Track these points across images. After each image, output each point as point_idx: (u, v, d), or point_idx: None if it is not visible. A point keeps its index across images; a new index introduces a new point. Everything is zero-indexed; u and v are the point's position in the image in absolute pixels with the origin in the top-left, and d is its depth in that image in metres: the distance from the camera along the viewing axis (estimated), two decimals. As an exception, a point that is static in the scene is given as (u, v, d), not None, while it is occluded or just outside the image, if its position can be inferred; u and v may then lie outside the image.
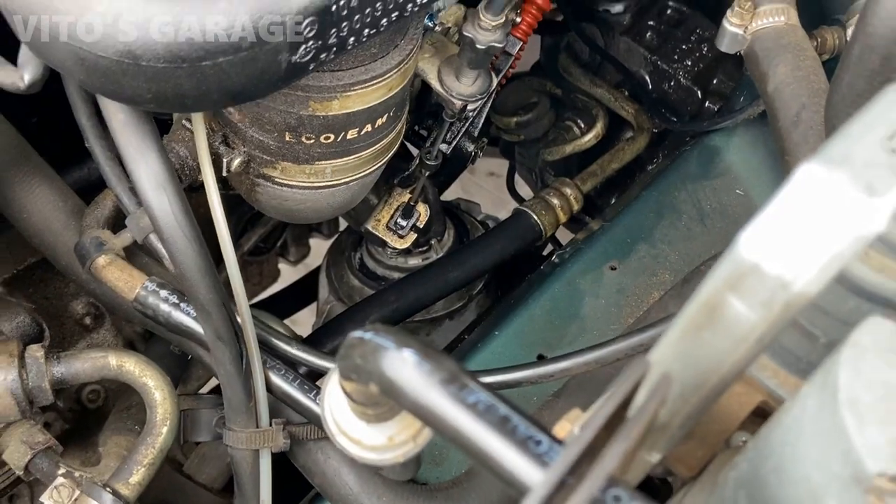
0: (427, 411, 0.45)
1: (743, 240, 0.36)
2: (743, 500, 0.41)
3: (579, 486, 0.36)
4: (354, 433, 0.53)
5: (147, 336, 0.83)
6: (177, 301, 0.74)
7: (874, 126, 0.36)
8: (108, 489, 0.67)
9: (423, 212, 1.00)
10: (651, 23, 1.17)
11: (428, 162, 0.98)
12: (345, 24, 0.60)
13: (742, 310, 0.38)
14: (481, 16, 0.76)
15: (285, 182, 0.84)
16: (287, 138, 0.79)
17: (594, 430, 0.37)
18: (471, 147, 1.03)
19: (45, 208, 0.73)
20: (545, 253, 1.11)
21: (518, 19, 0.86)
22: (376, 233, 0.99)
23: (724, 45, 0.75)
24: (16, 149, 0.70)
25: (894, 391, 0.34)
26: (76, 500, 0.68)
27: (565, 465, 0.35)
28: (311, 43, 0.57)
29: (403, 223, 0.99)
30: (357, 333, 0.51)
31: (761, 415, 0.49)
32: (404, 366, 0.43)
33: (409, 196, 1.00)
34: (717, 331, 0.41)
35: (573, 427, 0.43)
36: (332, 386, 0.57)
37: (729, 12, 0.74)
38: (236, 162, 0.77)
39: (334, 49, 0.61)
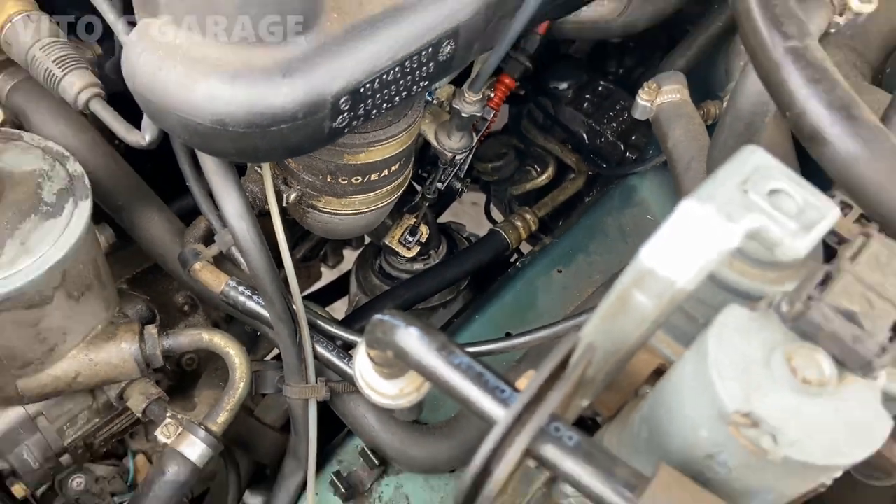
0: (426, 370, 0.46)
1: (643, 252, 0.36)
2: (644, 432, 0.41)
3: (530, 420, 0.37)
4: (376, 386, 0.53)
5: (228, 319, 0.83)
6: (250, 294, 0.73)
7: (733, 174, 0.36)
8: (201, 426, 0.67)
9: (424, 231, 1.00)
10: (587, 96, 1.15)
11: (428, 195, 0.98)
12: (370, 101, 0.58)
13: (643, 300, 0.37)
14: (465, 93, 0.74)
15: (327, 210, 0.82)
16: (328, 180, 0.78)
17: (540, 382, 0.38)
18: (458, 185, 1.04)
19: (158, 229, 0.73)
20: (511, 260, 1.09)
21: (492, 94, 0.85)
22: (391, 245, 0.99)
23: (637, 114, 0.74)
24: (137, 188, 0.71)
25: (744, 356, 0.34)
26: (179, 434, 0.67)
27: (521, 405, 0.36)
28: (346, 114, 0.57)
29: (410, 239, 0.99)
30: (378, 316, 0.52)
31: (659, 373, 0.47)
32: (410, 338, 0.43)
33: (414, 219, 0.99)
34: (627, 315, 0.41)
35: (527, 378, 0.44)
36: (361, 353, 0.57)
37: (641, 90, 0.73)
38: (292, 196, 0.76)
39: (362, 118, 0.59)
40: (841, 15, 0.50)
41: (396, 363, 0.50)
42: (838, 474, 0.38)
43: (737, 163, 0.37)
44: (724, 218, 0.34)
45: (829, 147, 0.41)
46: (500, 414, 0.37)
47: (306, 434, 0.76)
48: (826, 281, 0.33)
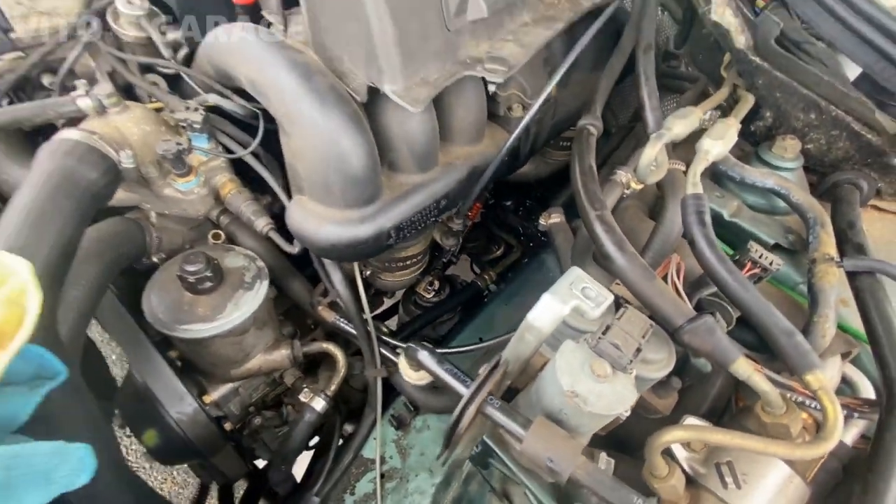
0: (430, 370, 0.48)
1: (529, 314, 0.38)
2: (534, 399, 0.42)
3: (479, 395, 0.40)
4: (410, 376, 0.54)
5: (333, 333, 0.77)
6: (346, 322, 0.68)
7: (566, 280, 0.39)
8: (322, 393, 0.67)
9: (437, 282, 1.01)
10: (521, 207, 1.14)
11: (437, 266, 1.00)
12: (406, 231, 0.57)
13: (529, 336, 0.39)
14: (454, 219, 0.73)
15: (385, 279, 0.78)
16: (385, 265, 0.75)
17: (484, 376, 0.41)
18: (454, 258, 1.05)
19: (298, 287, 0.69)
20: (483, 295, 1.05)
21: (469, 213, 0.80)
22: (420, 291, 1.00)
23: (540, 227, 0.66)
24: (289, 268, 0.69)
25: (571, 363, 0.35)
26: (311, 397, 0.68)
27: (475, 388, 0.40)
28: (393, 238, 0.56)
29: (430, 288, 0.99)
30: (410, 345, 0.52)
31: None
32: (423, 357, 0.46)
33: (431, 277, 1.00)
34: (523, 342, 0.43)
35: (481, 372, 0.42)
36: (402, 360, 0.56)
37: (542, 216, 0.67)
38: (367, 273, 0.76)
39: (402, 238, 0.57)
40: (627, 189, 0.53)
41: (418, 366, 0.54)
42: (618, 415, 0.39)
43: (568, 275, 0.40)
44: (559, 301, 0.38)
45: (613, 263, 0.43)
46: (464, 392, 0.40)
47: (377, 393, 0.71)
48: (607, 329, 0.37)
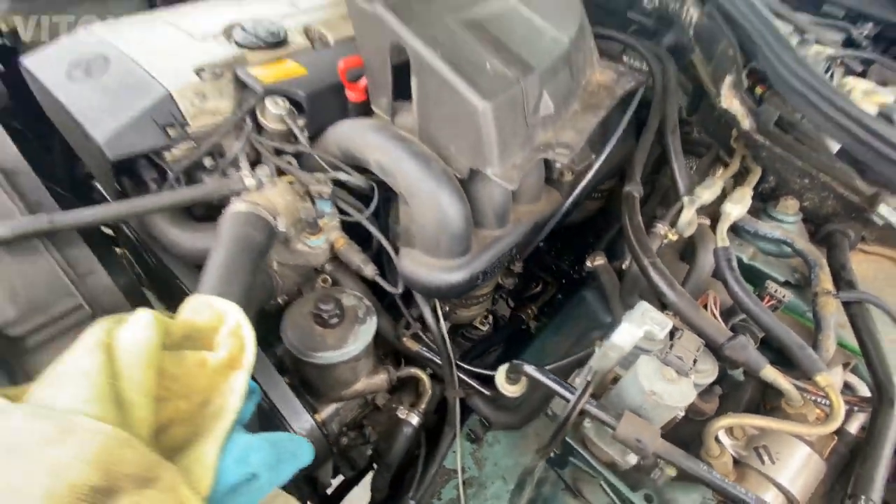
0: (541, 382, 0.58)
1: (613, 335, 0.52)
2: (615, 399, 0.53)
3: (583, 398, 0.53)
4: (507, 389, 0.66)
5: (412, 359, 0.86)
6: (428, 350, 0.80)
7: (638, 310, 0.52)
8: (415, 409, 0.80)
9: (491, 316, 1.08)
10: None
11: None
12: (487, 275, 0.68)
13: (611, 353, 0.54)
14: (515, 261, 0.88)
15: (461, 313, 0.89)
16: (462, 302, 0.87)
17: (585, 382, 0.53)
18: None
19: (385, 323, 0.79)
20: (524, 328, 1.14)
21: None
22: (476, 324, 1.05)
23: (587, 267, 0.86)
24: (382, 308, 0.80)
25: (647, 371, 0.52)
26: (417, 412, 0.81)
27: (579, 391, 0.51)
28: (479, 280, 0.68)
29: (483, 322, 1.06)
30: (516, 361, 0.64)
31: (615, 379, 0.62)
32: (532, 371, 0.56)
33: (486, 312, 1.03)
34: (607, 358, 0.56)
35: (578, 382, 0.60)
36: (500, 373, 0.67)
37: (588, 257, 0.83)
38: (446, 309, 0.87)
39: (485, 280, 0.69)
40: (665, 240, 0.68)
41: (516, 379, 0.66)
42: (678, 413, 0.51)
43: (639, 307, 0.51)
44: (636, 326, 0.51)
45: (667, 299, 0.55)
46: (570, 396, 0.51)
47: (456, 411, 0.80)
48: (671, 346, 0.50)
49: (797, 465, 0.49)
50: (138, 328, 0.43)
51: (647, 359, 0.50)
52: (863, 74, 0.94)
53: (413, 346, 0.82)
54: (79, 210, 0.62)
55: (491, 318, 1.08)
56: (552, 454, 0.64)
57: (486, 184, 0.66)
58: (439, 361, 0.81)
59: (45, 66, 0.74)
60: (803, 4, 1.07)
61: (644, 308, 0.51)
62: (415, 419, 0.79)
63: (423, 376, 0.83)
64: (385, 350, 0.89)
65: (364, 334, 0.71)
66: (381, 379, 0.79)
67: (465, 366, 0.84)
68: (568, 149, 0.66)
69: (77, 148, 0.77)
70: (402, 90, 0.68)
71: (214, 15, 0.85)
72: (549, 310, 1.21)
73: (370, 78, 0.72)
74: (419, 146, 0.65)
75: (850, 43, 1.03)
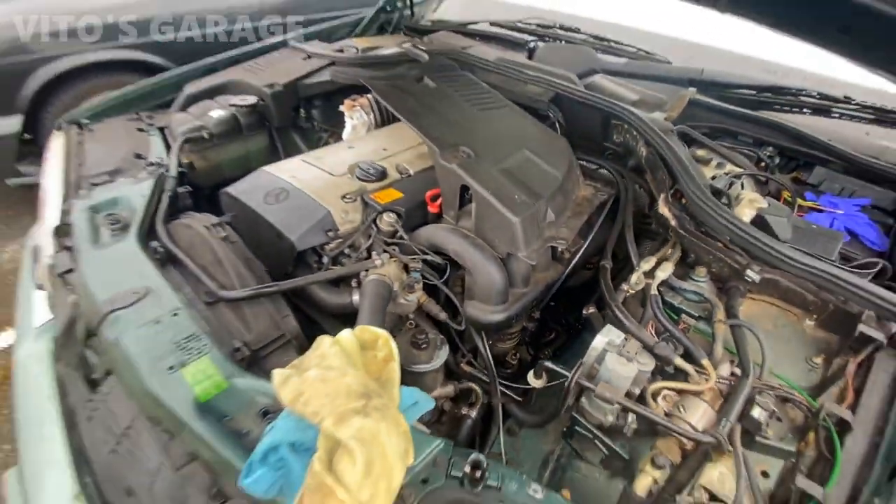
0: (556, 370, 1.04)
1: (595, 341, 0.97)
2: (597, 379, 1.00)
3: (578, 373, 0.97)
4: (534, 382, 1.07)
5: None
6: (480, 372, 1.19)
7: (607, 329, 0.99)
8: (473, 410, 1.18)
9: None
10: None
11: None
12: (519, 317, 1.06)
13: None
14: (535, 311, 1.37)
15: (499, 346, 1.22)
16: (501, 337, 1.24)
17: (578, 365, 0.98)
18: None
19: (450, 356, 1.09)
20: None
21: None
22: (507, 359, 1.32)
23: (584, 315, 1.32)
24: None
25: (615, 360, 0.93)
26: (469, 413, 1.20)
27: (576, 369, 0.95)
28: (513, 320, 1.06)
29: (515, 357, 1.44)
30: (539, 362, 1.08)
31: None
32: (549, 363, 1.03)
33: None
34: (588, 354, 1.00)
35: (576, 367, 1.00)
36: (532, 373, 1.03)
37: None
38: (490, 342, 1.21)
39: (516, 321, 1.10)
40: (627, 293, 1.16)
41: (539, 374, 1.07)
42: (632, 385, 0.94)
43: (606, 329, 0.97)
44: (603, 337, 0.94)
45: (623, 324, 1.01)
46: (568, 374, 0.98)
47: (498, 413, 1.07)
48: (624, 346, 0.94)
49: (699, 413, 0.89)
50: (348, 337, 0.88)
51: (611, 354, 0.92)
52: (766, 183, 1.43)
53: (467, 368, 1.23)
54: (282, 282, 1.09)
55: (518, 356, 1.49)
56: (565, 428, 1.04)
57: (517, 261, 1.12)
58: (487, 379, 1.16)
59: (246, 194, 1.25)
60: (723, 135, 1.60)
61: (609, 328, 0.95)
62: (473, 414, 1.18)
63: (477, 388, 1.17)
64: (446, 373, 1.20)
65: (442, 355, 1.10)
66: (449, 389, 1.15)
67: (504, 382, 1.24)
68: (564, 240, 1.13)
69: (263, 245, 1.23)
70: (462, 206, 1.17)
71: (339, 159, 1.38)
72: (560, 353, 1.61)
73: (445, 201, 1.21)
74: (478, 240, 1.13)
75: (758, 160, 1.54)
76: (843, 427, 0.80)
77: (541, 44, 1.91)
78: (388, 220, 1.17)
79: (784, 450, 0.82)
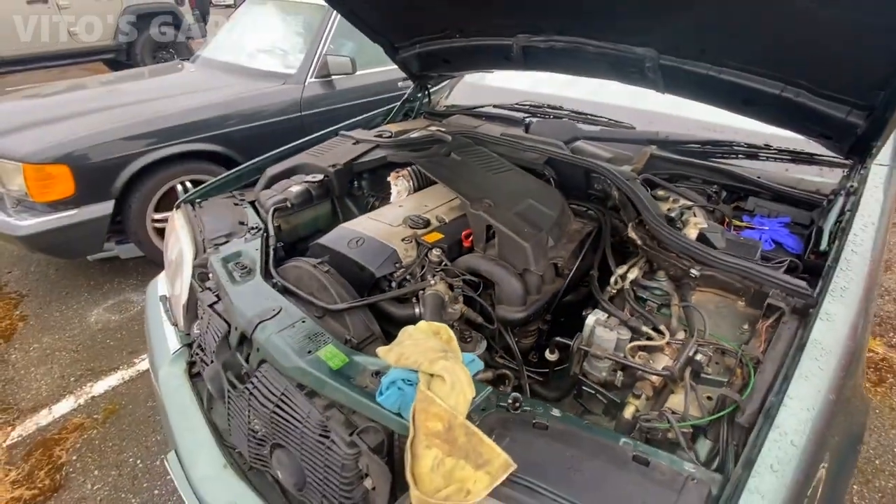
0: (562, 342, 1.48)
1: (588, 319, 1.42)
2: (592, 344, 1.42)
3: (577, 341, 1.41)
4: (551, 358, 1.53)
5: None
6: (510, 361, 1.72)
7: (593, 313, 1.44)
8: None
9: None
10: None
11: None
12: (536, 315, 1.65)
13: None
14: (546, 315, 1.89)
15: (523, 342, 1.63)
16: (524, 332, 1.68)
17: (577, 336, 1.42)
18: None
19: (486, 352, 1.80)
20: None
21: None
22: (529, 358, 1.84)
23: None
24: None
25: (598, 329, 1.38)
26: None
27: (576, 338, 1.41)
28: (532, 318, 1.66)
29: (532, 360, 1.88)
30: (553, 339, 1.56)
31: None
32: (559, 338, 1.47)
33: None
34: (583, 330, 1.45)
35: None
36: (547, 350, 1.58)
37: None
38: (516, 340, 1.80)
39: (535, 319, 1.60)
40: (612, 291, 1.63)
41: (553, 350, 1.50)
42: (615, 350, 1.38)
43: (595, 311, 1.44)
44: (593, 316, 1.38)
45: (608, 307, 1.48)
46: (573, 342, 1.42)
47: (525, 391, 1.38)
48: (605, 322, 1.39)
49: (662, 362, 1.32)
50: (423, 325, 1.35)
51: (599, 326, 1.36)
52: (713, 211, 1.91)
53: (500, 360, 1.67)
54: (368, 298, 1.57)
55: (536, 354, 1.91)
56: (575, 391, 1.47)
57: (530, 275, 1.59)
58: (516, 367, 1.50)
59: (334, 242, 1.74)
60: (679, 178, 2.11)
61: (597, 311, 1.40)
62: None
63: (509, 373, 1.43)
64: (484, 364, 1.67)
65: (482, 346, 1.42)
66: (488, 374, 1.42)
67: (528, 368, 1.68)
68: (562, 258, 1.61)
69: (347, 276, 1.71)
70: (487, 241, 1.67)
71: (394, 214, 1.88)
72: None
73: (475, 238, 1.70)
74: (501, 262, 1.61)
75: (707, 195, 2.04)
76: (758, 364, 1.21)
77: (534, 120, 2.48)
78: (435, 254, 1.64)
79: (718, 380, 1.21)
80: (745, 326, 1.31)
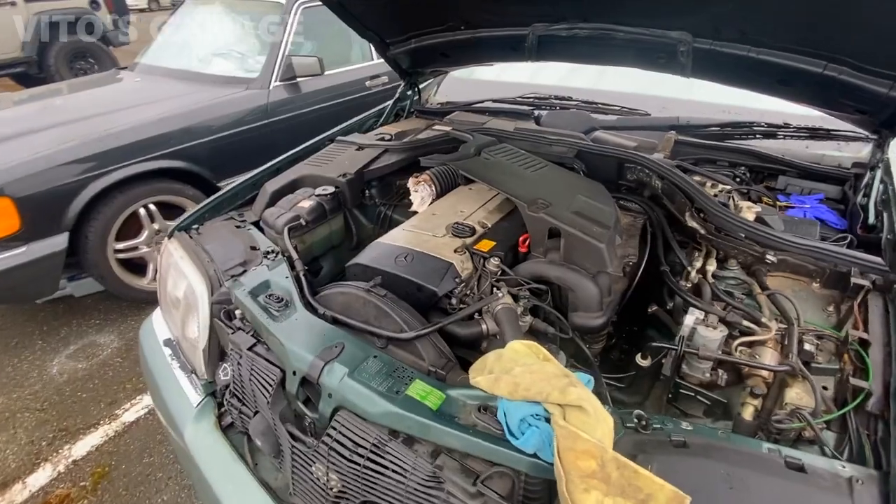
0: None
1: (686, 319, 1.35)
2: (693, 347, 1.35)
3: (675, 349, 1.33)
4: (642, 362, 1.45)
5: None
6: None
7: (692, 312, 1.36)
8: None
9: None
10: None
11: None
12: (610, 319, 1.60)
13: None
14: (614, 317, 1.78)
15: (593, 345, 1.67)
16: (594, 337, 1.64)
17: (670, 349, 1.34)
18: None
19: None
20: None
21: None
22: None
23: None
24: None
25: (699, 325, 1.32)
26: None
27: (678, 342, 1.32)
28: (607, 323, 1.59)
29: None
30: (646, 346, 1.45)
31: None
32: (655, 345, 1.38)
33: None
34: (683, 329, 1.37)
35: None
36: (638, 355, 1.46)
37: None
38: (588, 346, 1.72)
39: (609, 324, 1.58)
40: (688, 285, 1.56)
41: (645, 356, 1.42)
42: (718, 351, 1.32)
43: (692, 311, 1.37)
44: (692, 316, 1.33)
45: (694, 303, 1.41)
46: (674, 346, 1.34)
47: (607, 398, 1.56)
48: (705, 320, 1.33)
49: (768, 356, 1.26)
50: (518, 346, 1.20)
51: (700, 327, 1.27)
52: (748, 193, 1.90)
53: (576, 365, 1.57)
54: (440, 321, 1.40)
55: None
56: (669, 395, 1.38)
57: (603, 276, 1.50)
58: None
59: (378, 261, 1.55)
60: (705, 163, 2.09)
61: (692, 311, 1.32)
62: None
63: None
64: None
65: (562, 359, 1.44)
66: None
67: (604, 374, 1.58)
68: (634, 256, 1.52)
69: (400, 298, 1.53)
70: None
71: (433, 224, 1.72)
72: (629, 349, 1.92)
73: (534, 241, 1.58)
74: (572, 266, 1.50)
75: (735, 178, 2.02)
76: (864, 344, 1.18)
77: (543, 112, 2.38)
78: (493, 263, 1.51)
79: (832, 368, 1.17)
80: (830, 308, 1.25)
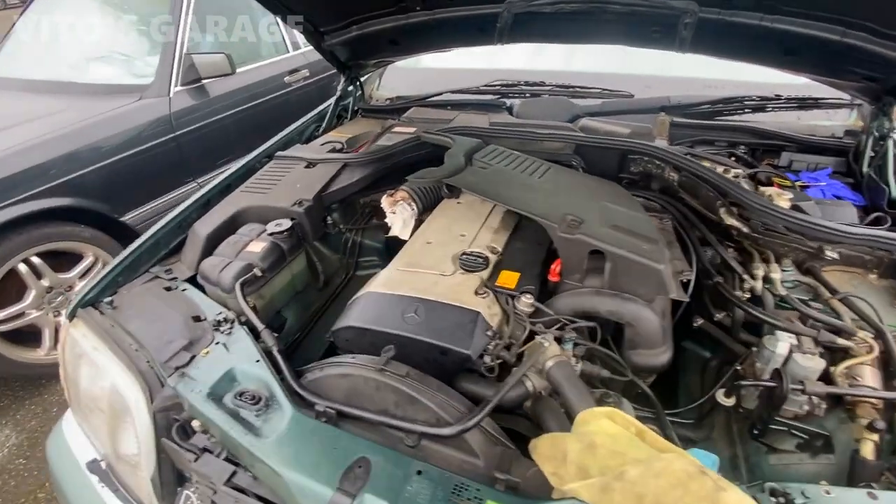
0: None
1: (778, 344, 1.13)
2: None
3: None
4: (725, 401, 1.23)
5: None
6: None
7: (781, 337, 1.14)
8: None
9: None
10: None
11: None
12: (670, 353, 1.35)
13: None
14: None
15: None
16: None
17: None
18: None
19: None
20: None
21: None
22: None
23: None
24: None
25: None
26: None
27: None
28: (669, 357, 1.35)
29: None
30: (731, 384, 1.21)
31: None
32: (748, 382, 1.16)
33: None
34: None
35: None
36: (720, 392, 1.24)
37: None
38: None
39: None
40: (746, 296, 1.35)
41: (730, 394, 1.18)
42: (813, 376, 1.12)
43: (782, 335, 1.16)
44: (782, 342, 1.12)
45: (766, 319, 1.20)
46: (774, 384, 1.10)
47: (675, 440, 1.24)
48: (798, 345, 1.12)
49: (870, 377, 1.06)
50: (611, 429, 0.90)
51: (797, 354, 1.06)
52: (753, 176, 1.72)
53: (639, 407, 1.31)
54: (490, 402, 1.05)
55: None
56: (756, 430, 1.16)
57: (661, 300, 1.23)
58: (652, 415, 1.22)
59: (380, 322, 1.16)
60: (703, 144, 1.90)
61: (781, 335, 1.10)
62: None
63: (654, 427, 1.29)
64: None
65: (628, 408, 1.17)
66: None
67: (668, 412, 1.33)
68: (689, 272, 1.27)
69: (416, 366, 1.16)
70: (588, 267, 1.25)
71: (434, 257, 1.36)
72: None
73: (568, 267, 1.28)
74: (626, 295, 1.22)
75: (736, 157, 1.84)
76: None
77: (516, 101, 2.08)
78: (525, 302, 1.20)
79: None
80: (896, 301, 1.09)
